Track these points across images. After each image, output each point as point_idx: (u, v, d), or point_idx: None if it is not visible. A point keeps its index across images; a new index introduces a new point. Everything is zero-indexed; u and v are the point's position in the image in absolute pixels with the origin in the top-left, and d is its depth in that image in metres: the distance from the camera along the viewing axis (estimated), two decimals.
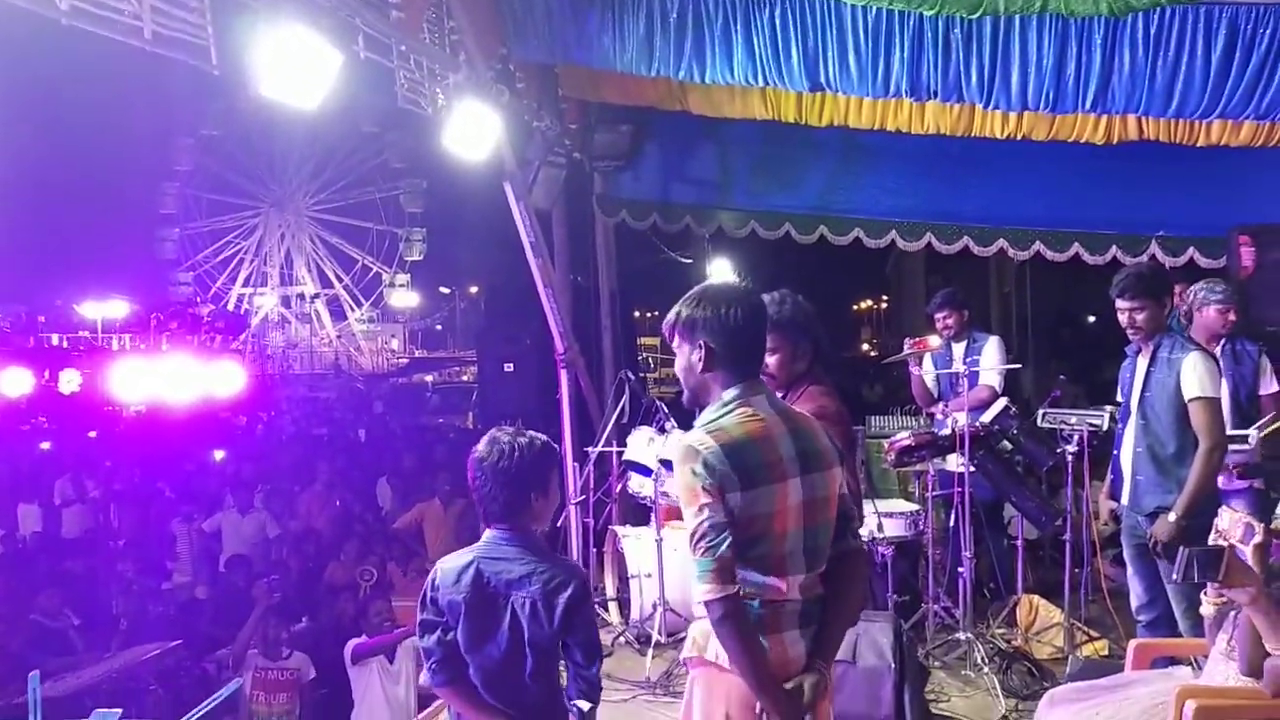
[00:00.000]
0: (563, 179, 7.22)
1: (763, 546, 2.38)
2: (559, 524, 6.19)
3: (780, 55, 5.76)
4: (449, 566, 2.82)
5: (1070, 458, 5.27)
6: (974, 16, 4.52)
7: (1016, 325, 16.58)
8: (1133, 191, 7.24)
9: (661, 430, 6.04)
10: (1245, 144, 6.18)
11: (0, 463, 11.53)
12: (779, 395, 3.00)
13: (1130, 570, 4.41)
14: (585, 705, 2.74)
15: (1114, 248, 7.50)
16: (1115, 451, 4.41)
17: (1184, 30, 5.18)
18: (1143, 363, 4.20)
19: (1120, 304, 4.14)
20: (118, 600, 7.78)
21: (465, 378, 33.45)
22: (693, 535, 2.35)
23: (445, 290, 42.65)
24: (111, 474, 11.67)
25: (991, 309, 17.53)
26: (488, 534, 2.83)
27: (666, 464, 5.87)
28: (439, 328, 45.03)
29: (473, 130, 5.68)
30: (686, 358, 2.51)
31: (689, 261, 14.56)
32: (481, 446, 2.83)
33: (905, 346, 5.93)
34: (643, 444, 5.82)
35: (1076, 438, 5.22)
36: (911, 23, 5.48)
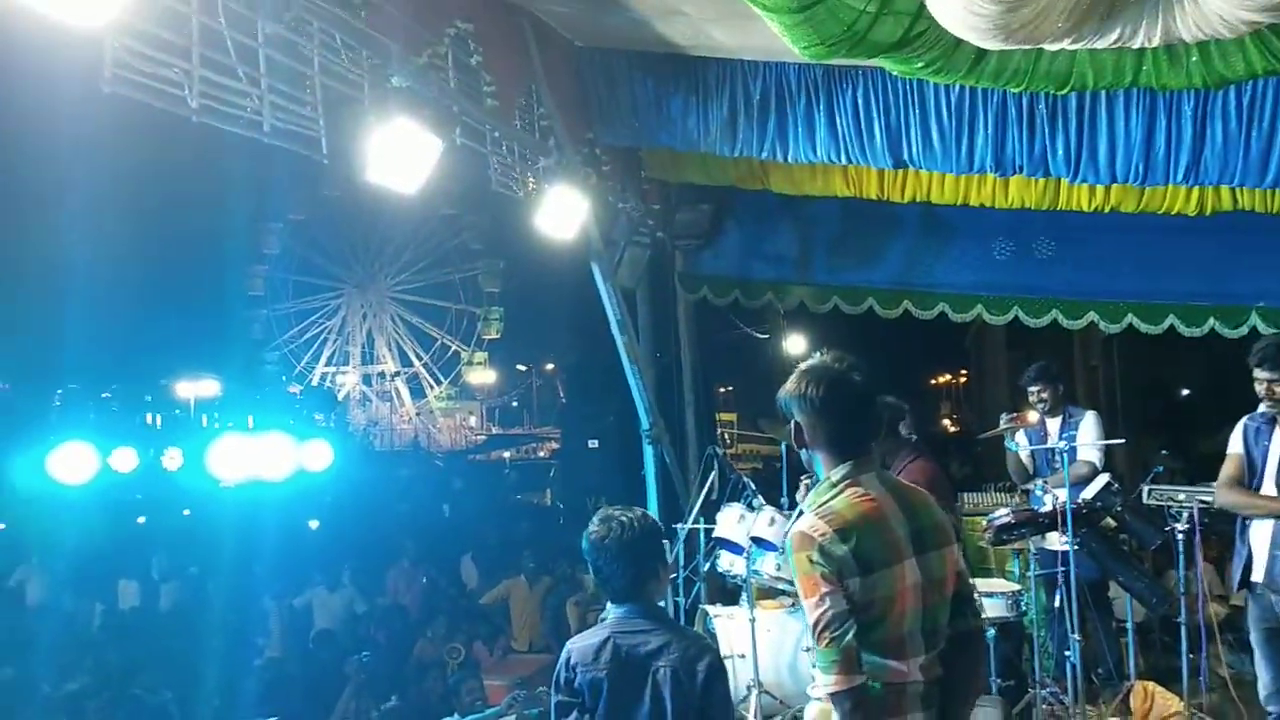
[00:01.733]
0: (646, 258, 7.33)
1: (883, 629, 2.36)
2: None
3: (863, 134, 5.82)
4: (584, 645, 2.87)
5: (1180, 536, 5.07)
6: (1062, 93, 4.53)
7: (1105, 399, 16.14)
8: (1229, 262, 7.07)
9: (751, 507, 6.00)
10: None
11: (102, 538, 11.90)
12: None
13: (1258, 655, 4.20)
14: None
15: (1211, 319, 7.31)
16: (1240, 528, 4.23)
17: (1279, 100, 5.12)
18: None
19: (1260, 374, 4.01)
20: (213, 675, 7.92)
21: (542, 454, 33.63)
22: (815, 625, 2.33)
23: (522, 368, 43.20)
24: (207, 550, 11.93)
25: (1078, 383, 17.12)
26: (616, 611, 2.88)
27: (758, 541, 5.82)
28: (515, 404, 45.51)
29: (562, 212, 5.83)
30: (793, 438, 2.57)
31: (765, 337, 14.57)
32: (597, 526, 2.88)
33: (1001, 421, 5.81)
34: (733, 521, 5.77)
35: (1186, 515, 5.03)
36: (995, 99, 5.51)
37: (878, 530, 2.37)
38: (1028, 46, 3.85)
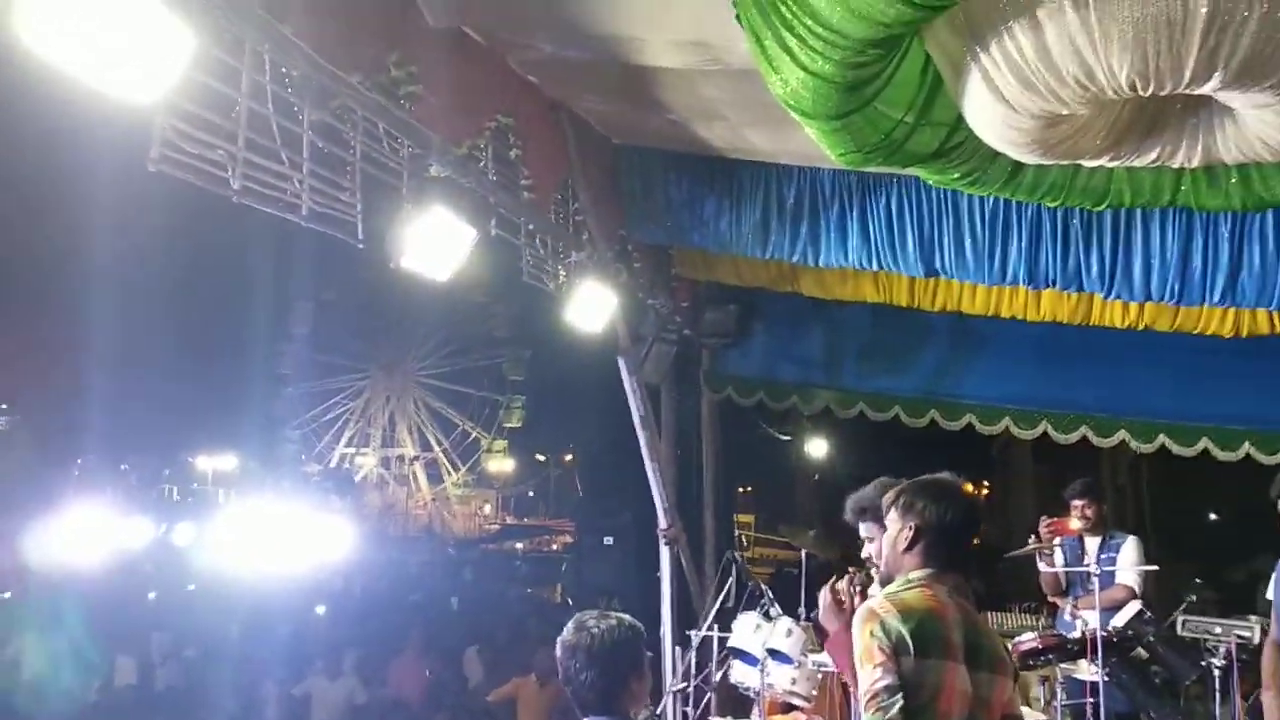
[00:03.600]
0: (673, 355, 7.31)
1: (929, 717, 2.43)
2: (658, 712, 5.93)
3: (896, 241, 5.82)
4: None
5: (1217, 671, 4.85)
6: (1099, 209, 4.51)
7: (1133, 520, 15.78)
8: (1266, 386, 6.94)
9: (768, 616, 5.82)
10: None
11: (106, 612, 11.75)
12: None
13: None
14: None
15: (1246, 444, 7.15)
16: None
17: None
18: None
19: None
20: None
21: (555, 547, 33.21)
22: (866, 693, 2.45)
23: (541, 458, 42.98)
24: (211, 628, 11.74)
25: (1106, 501, 16.79)
26: None
27: (774, 653, 5.63)
28: (531, 494, 45.17)
29: (591, 307, 5.83)
30: (895, 533, 2.70)
31: (788, 439, 14.42)
32: (569, 633, 2.75)
33: (1040, 525, 5.65)
34: (749, 630, 5.59)
35: (1223, 650, 4.82)
36: (1029, 212, 5.51)
37: (936, 625, 2.49)
38: (1066, 162, 3.85)
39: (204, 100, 3.60)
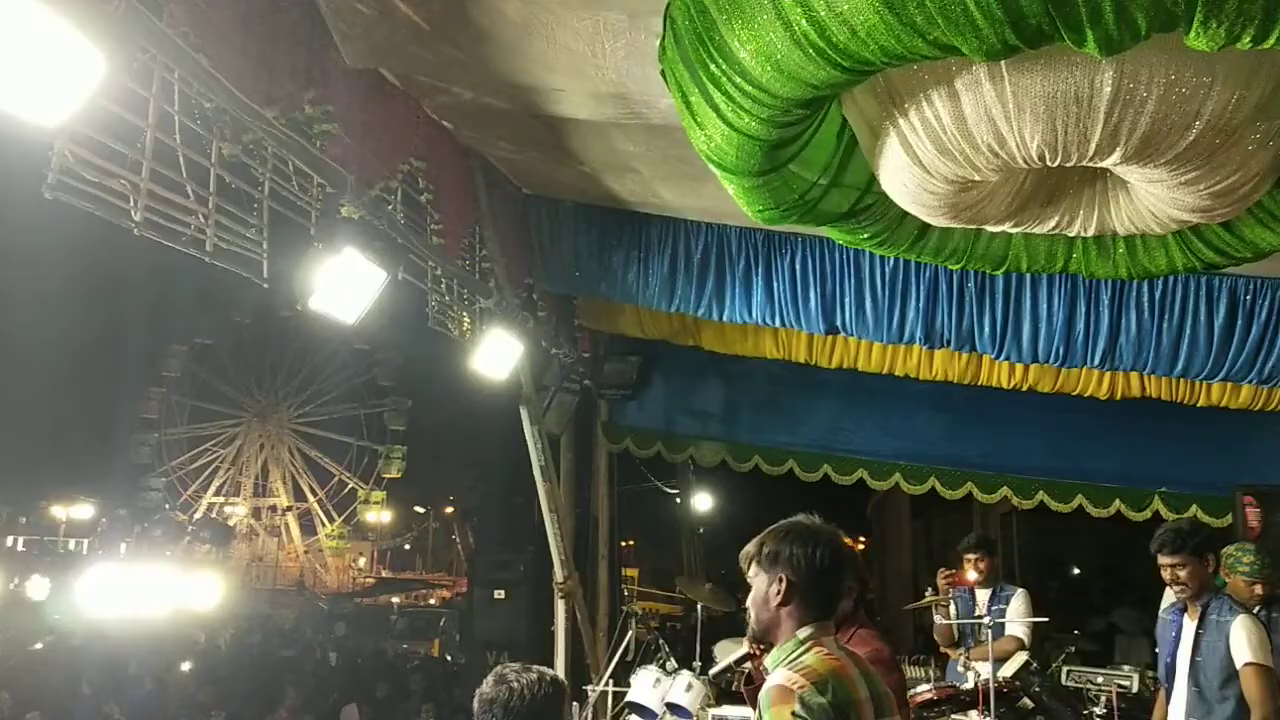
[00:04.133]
0: (575, 405, 7.27)
1: None
2: None
3: (799, 299, 5.95)
4: None
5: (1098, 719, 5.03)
6: (997, 273, 4.72)
7: (1004, 574, 16.34)
8: (1136, 447, 7.35)
9: (666, 671, 5.79)
10: (1244, 406, 6.37)
11: None
12: None
13: None
14: None
15: (1117, 501, 7.54)
16: (1162, 709, 4.21)
17: (1188, 296, 5.44)
18: (1190, 624, 4.08)
19: (1161, 560, 4.07)
20: None
21: (433, 602, 32.36)
22: None
23: (420, 510, 42.00)
24: (58, 691, 10.94)
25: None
26: None
27: (673, 708, 5.58)
28: (408, 547, 44.00)
29: (497, 354, 5.77)
30: (764, 590, 2.50)
31: (675, 492, 14.47)
32: (488, 686, 2.65)
33: (939, 577, 5.78)
34: (648, 685, 5.56)
35: (1104, 699, 5.00)
36: (927, 275, 5.72)
37: (847, 688, 2.36)
38: (971, 226, 4.02)
39: (109, 127, 3.45)
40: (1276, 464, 6.91)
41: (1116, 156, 3.06)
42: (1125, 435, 7.30)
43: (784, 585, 2.46)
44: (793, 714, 2.30)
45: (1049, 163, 3.16)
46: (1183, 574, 4.01)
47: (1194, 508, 7.29)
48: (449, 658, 17.69)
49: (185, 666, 11.89)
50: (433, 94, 4.93)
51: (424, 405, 35.00)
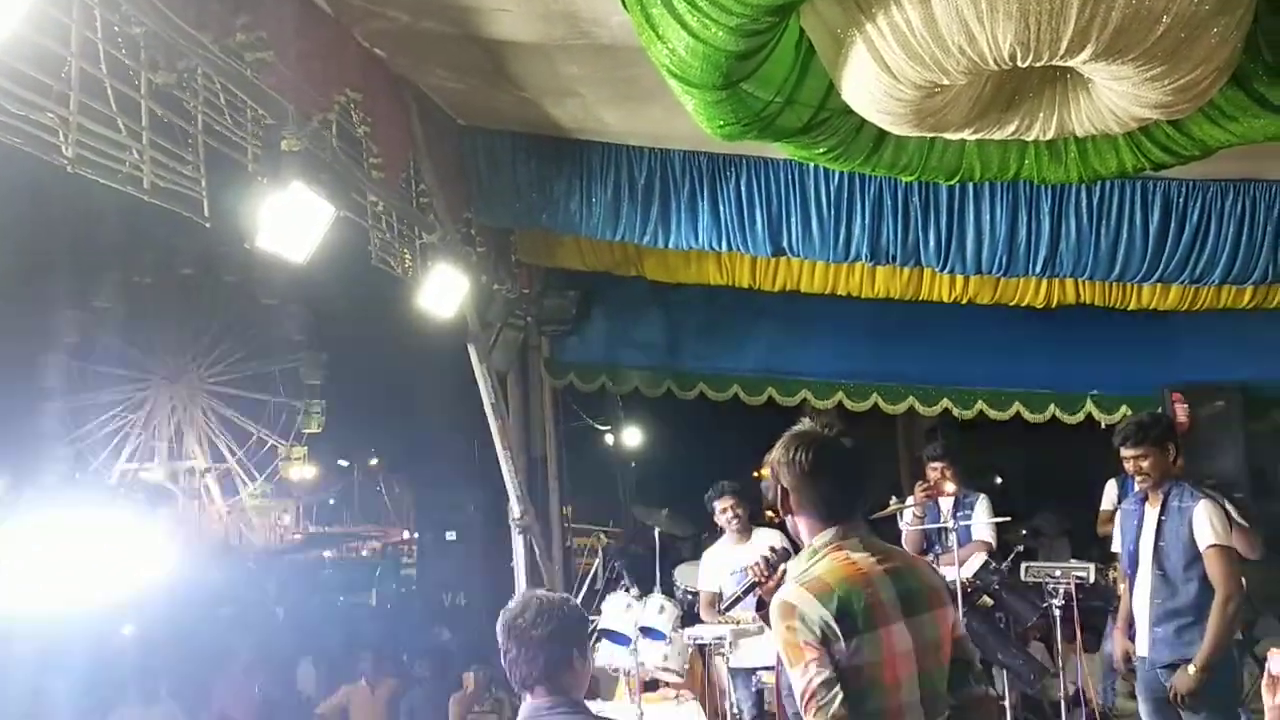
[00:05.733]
0: (520, 342, 7.17)
1: (876, 699, 2.29)
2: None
3: (745, 222, 5.93)
4: None
5: (1057, 611, 5.23)
6: (950, 183, 4.76)
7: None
8: (1069, 354, 7.58)
9: (636, 597, 5.83)
10: (1173, 307, 6.60)
11: None
12: None
13: None
14: None
15: (1052, 406, 7.79)
16: (1129, 599, 4.39)
17: (1124, 201, 5.59)
18: (1152, 512, 4.24)
19: (1125, 452, 4.21)
20: None
21: (365, 553, 32.09)
22: (802, 695, 2.26)
23: (344, 463, 41.34)
24: None
25: (901, 470, 17.83)
26: (528, 706, 2.61)
27: (647, 631, 5.63)
28: (333, 502, 43.39)
29: (442, 291, 5.64)
30: (775, 502, 2.53)
31: (606, 429, 14.49)
32: (514, 605, 2.64)
33: (916, 489, 5.91)
34: (620, 610, 5.57)
35: (1062, 591, 5.20)
36: (872, 190, 5.75)
37: (860, 594, 2.32)
38: (929, 135, 4.03)
39: (33, 58, 3.21)
40: (1202, 364, 7.21)
41: (1086, 54, 3.08)
42: (1059, 343, 7.52)
43: (783, 495, 2.48)
44: (791, 628, 2.30)
45: (1019, 63, 3.15)
46: (1145, 464, 4.16)
47: (1123, 408, 7.58)
48: (389, 606, 17.63)
49: (126, 631, 11.60)
50: (366, 19, 4.72)
51: (341, 359, 34.25)
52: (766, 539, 5.48)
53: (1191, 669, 3.96)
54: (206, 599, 15.14)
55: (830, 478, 2.46)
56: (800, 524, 2.49)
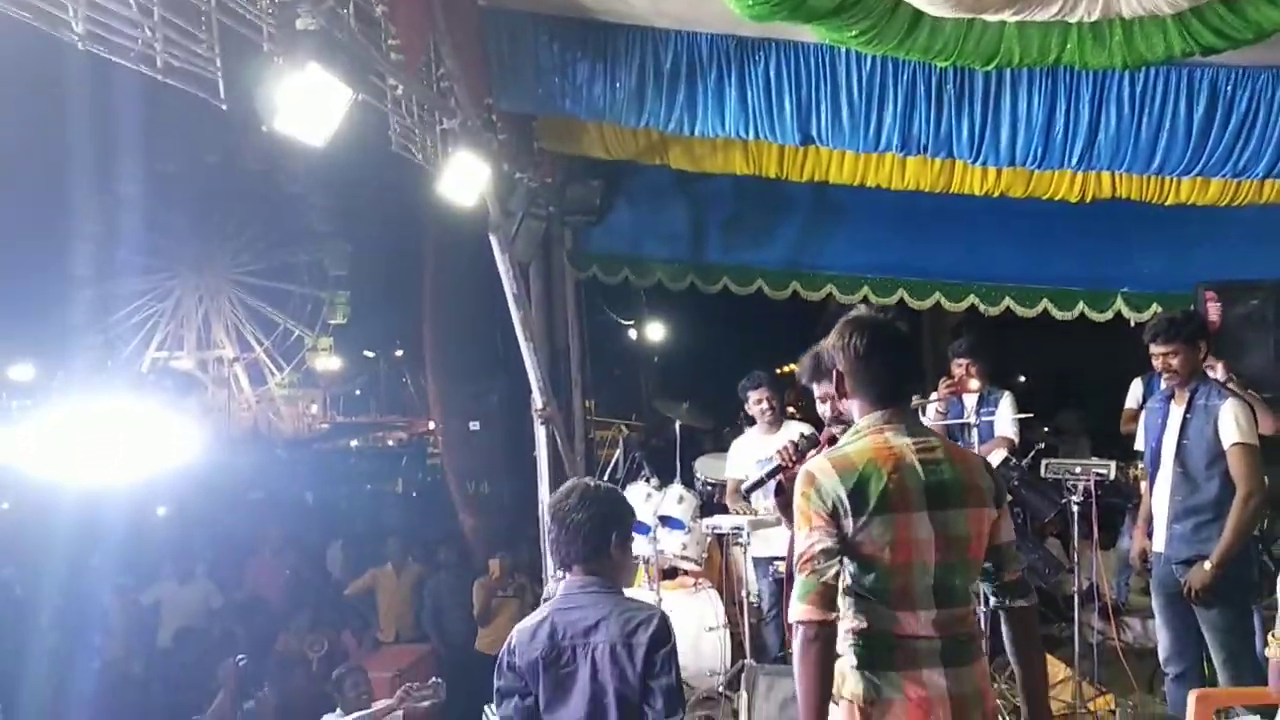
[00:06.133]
0: (542, 231, 7.10)
1: (882, 576, 2.37)
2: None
3: (773, 108, 5.77)
4: (524, 626, 2.72)
5: (1075, 508, 5.24)
6: (987, 69, 4.58)
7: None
8: (1101, 249, 7.42)
9: (657, 487, 5.90)
10: (1212, 202, 6.41)
11: None
12: None
13: (1159, 621, 4.38)
14: None
15: (1080, 303, 7.67)
16: (1149, 497, 4.38)
17: (1169, 90, 5.36)
18: (1177, 410, 4.20)
19: (1155, 349, 4.15)
20: (43, 682, 7.24)
21: (390, 443, 32.68)
22: (800, 556, 2.38)
23: (370, 354, 41.77)
24: (30, 547, 10.90)
25: (926, 368, 17.79)
26: (563, 584, 2.76)
27: (665, 520, 5.72)
28: (358, 393, 44.01)
29: (465, 179, 5.55)
30: (829, 386, 2.64)
31: (630, 324, 14.46)
32: (559, 492, 2.80)
33: (940, 386, 5.88)
34: (640, 500, 5.65)
35: (1082, 488, 5.20)
36: (905, 77, 5.55)
37: (882, 476, 2.37)
38: (967, 16, 3.87)
39: None
40: (1237, 261, 7.02)
41: None
42: (1091, 238, 7.35)
43: (838, 378, 2.54)
44: (805, 496, 2.40)
45: None
46: (1175, 361, 4.10)
47: (1154, 305, 7.46)
48: (414, 495, 18.01)
49: (161, 513, 11.96)
50: None
51: (366, 249, 34.23)
52: (796, 430, 5.50)
53: (1208, 565, 3.97)
54: (237, 484, 15.56)
55: (884, 362, 2.51)
56: (852, 407, 2.55)
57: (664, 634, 2.60)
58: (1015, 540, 2.58)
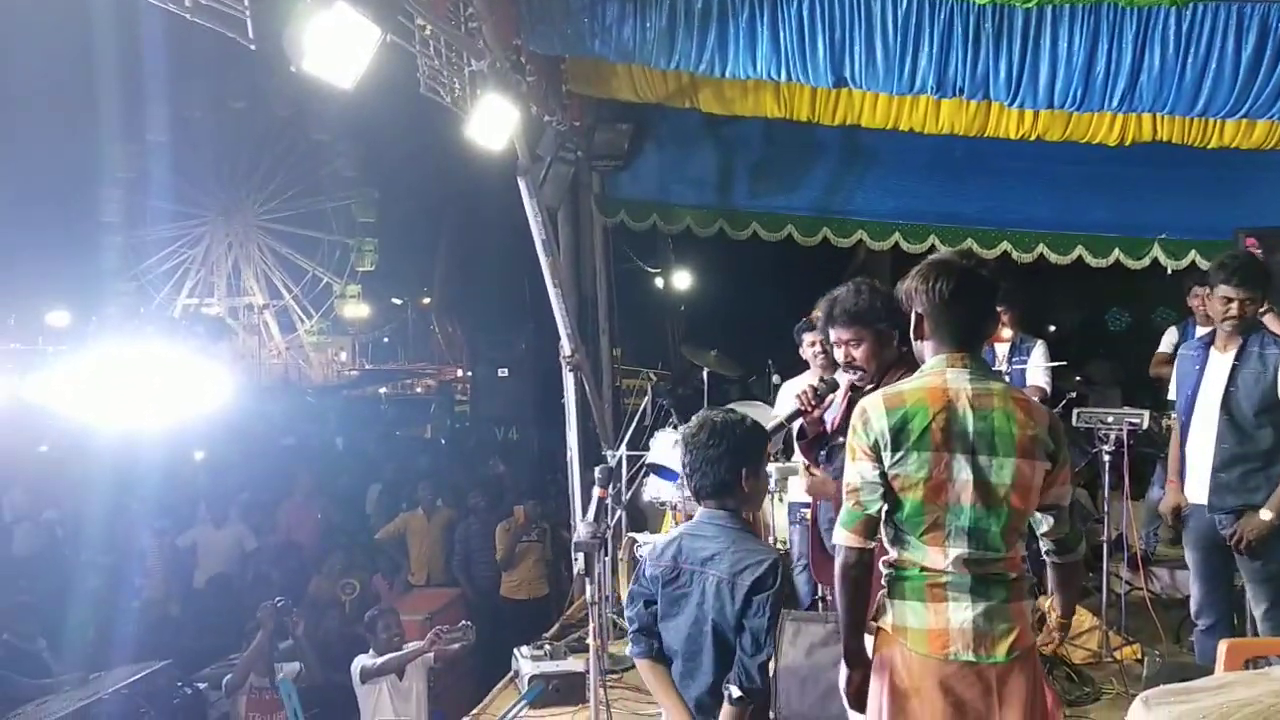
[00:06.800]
0: (571, 176, 7.04)
1: (913, 510, 2.43)
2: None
3: (806, 49, 5.65)
4: (660, 540, 2.97)
5: (1106, 458, 5.19)
6: (1028, 5, 4.45)
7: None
8: (1138, 195, 7.28)
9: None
10: (1257, 146, 6.26)
11: None
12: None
13: (1192, 573, 4.33)
14: (736, 691, 2.67)
15: (1116, 250, 7.55)
16: (1182, 449, 4.31)
17: (1215, 27, 5.20)
18: (1221, 358, 4.11)
19: (1226, 290, 3.94)
20: (86, 620, 7.42)
21: (419, 390, 32.90)
22: (847, 486, 2.49)
23: (398, 301, 41.88)
24: (74, 488, 11.14)
25: None
26: (699, 511, 2.90)
27: None
28: (386, 340, 44.24)
29: (492, 121, 5.49)
30: (911, 328, 2.59)
31: (656, 271, 14.38)
32: (691, 424, 2.88)
33: None
34: (668, 446, 5.65)
35: (1114, 437, 5.15)
36: (942, 15, 5.42)
37: (926, 413, 2.41)
38: None
39: None
40: (1277, 205, 6.87)
41: None
42: (1127, 184, 7.22)
43: (916, 320, 2.54)
44: (853, 430, 2.49)
45: None
46: (1243, 308, 3.96)
47: (1192, 253, 7.33)
48: (443, 441, 18.19)
49: (197, 457, 12.15)
50: None
51: (393, 196, 34.17)
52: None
53: (1266, 513, 3.90)
54: (269, 430, 15.76)
55: (967, 307, 2.51)
56: (926, 349, 2.56)
57: (768, 579, 2.69)
58: (1067, 505, 2.56)
